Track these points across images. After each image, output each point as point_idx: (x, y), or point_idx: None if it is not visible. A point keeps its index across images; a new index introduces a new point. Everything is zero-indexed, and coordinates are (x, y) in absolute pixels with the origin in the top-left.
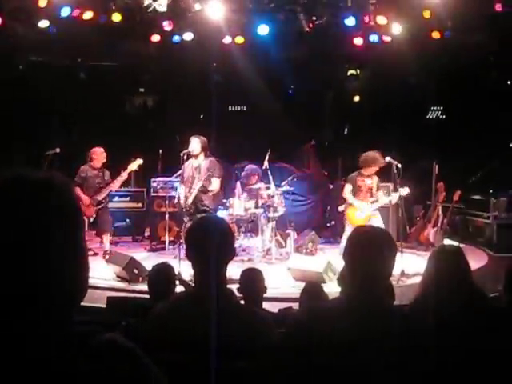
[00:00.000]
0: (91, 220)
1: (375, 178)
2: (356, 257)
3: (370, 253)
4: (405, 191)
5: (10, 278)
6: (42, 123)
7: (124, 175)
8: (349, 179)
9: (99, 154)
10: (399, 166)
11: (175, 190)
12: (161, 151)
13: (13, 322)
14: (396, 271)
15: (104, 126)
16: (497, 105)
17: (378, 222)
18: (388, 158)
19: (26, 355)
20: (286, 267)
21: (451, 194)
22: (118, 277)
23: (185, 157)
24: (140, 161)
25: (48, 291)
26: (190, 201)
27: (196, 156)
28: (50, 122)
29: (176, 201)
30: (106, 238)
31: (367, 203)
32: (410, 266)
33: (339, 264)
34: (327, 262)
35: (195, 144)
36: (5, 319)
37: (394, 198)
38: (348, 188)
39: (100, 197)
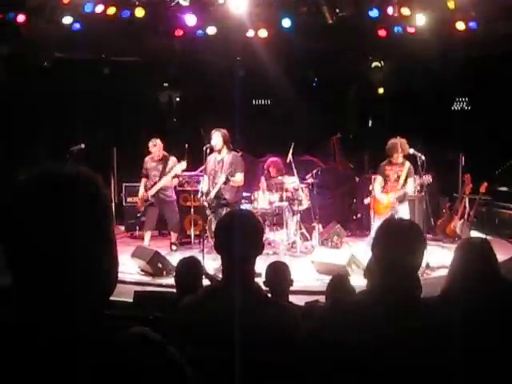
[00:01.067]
0: (138, 214)
1: (407, 165)
2: (385, 249)
3: (398, 245)
4: (426, 179)
5: (42, 273)
6: (67, 119)
7: (164, 180)
8: (378, 170)
9: (151, 146)
10: (423, 157)
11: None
12: (187, 146)
13: (46, 316)
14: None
15: (129, 121)
16: None
17: (402, 210)
18: (412, 150)
19: (60, 348)
20: (310, 260)
21: (478, 186)
22: (143, 271)
23: (208, 151)
24: (183, 164)
25: (79, 285)
26: (212, 195)
27: (219, 150)
28: (75, 118)
29: (199, 195)
30: (147, 235)
31: (393, 194)
32: (435, 259)
33: (363, 257)
34: (351, 254)
35: (217, 138)
36: (39, 314)
37: (411, 187)
38: (378, 180)
39: (150, 193)
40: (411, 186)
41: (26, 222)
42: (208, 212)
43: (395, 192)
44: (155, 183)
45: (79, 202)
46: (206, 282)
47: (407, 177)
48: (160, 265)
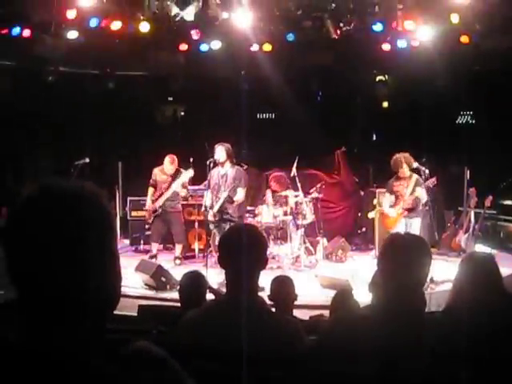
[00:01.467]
0: (146, 226)
1: (414, 177)
2: (390, 264)
3: (404, 260)
4: (431, 182)
5: (46, 289)
6: (71, 133)
7: (174, 186)
8: (386, 187)
9: (166, 162)
10: (427, 171)
11: None
12: (192, 159)
13: (49, 331)
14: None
15: (134, 135)
16: None
17: (415, 224)
18: (415, 164)
19: (60, 362)
20: (314, 275)
21: (483, 200)
22: (146, 285)
23: (211, 165)
24: (191, 172)
25: (81, 299)
26: (215, 209)
27: (222, 164)
28: (80, 133)
29: (203, 209)
30: (154, 246)
31: (399, 206)
32: (440, 273)
33: (367, 271)
34: (354, 269)
35: (220, 152)
36: (41, 329)
37: (421, 192)
38: (387, 196)
39: (157, 204)
40: (422, 194)
41: (30, 237)
42: (211, 226)
43: (403, 205)
44: (162, 194)
45: (83, 217)
46: (210, 296)
47: (415, 187)
48: (163, 279)
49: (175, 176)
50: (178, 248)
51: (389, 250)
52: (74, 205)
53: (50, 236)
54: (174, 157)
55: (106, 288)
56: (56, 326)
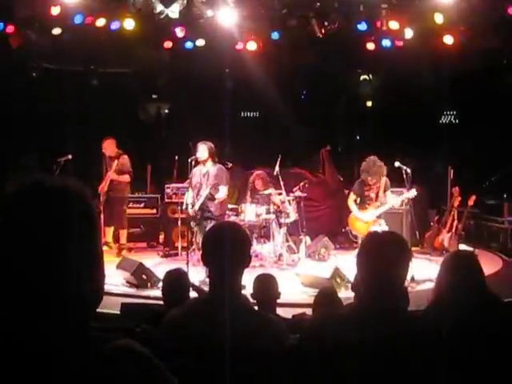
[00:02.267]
0: None
1: (383, 180)
2: (368, 263)
3: (382, 258)
4: (411, 193)
5: (28, 285)
6: (54, 130)
7: (109, 174)
8: (353, 189)
9: (106, 145)
10: (409, 170)
11: None
12: (176, 157)
13: (30, 328)
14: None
15: (117, 132)
16: (509, 108)
17: (383, 225)
18: (397, 163)
19: (43, 360)
20: (295, 273)
21: (466, 199)
22: (128, 282)
23: (193, 163)
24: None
25: (65, 297)
26: (196, 207)
27: (204, 162)
28: (62, 129)
29: (184, 207)
30: (109, 231)
31: (373, 210)
32: (421, 272)
33: (348, 270)
34: (335, 267)
35: (202, 150)
36: (24, 327)
37: (397, 200)
38: (352, 198)
39: (103, 189)
40: (393, 199)
41: (14, 234)
42: (193, 224)
43: (376, 209)
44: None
45: (68, 214)
46: (193, 294)
47: (384, 191)
48: (144, 276)
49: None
50: (122, 235)
51: (366, 249)
52: (59, 201)
53: (33, 232)
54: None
55: (90, 286)
56: (38, 323)
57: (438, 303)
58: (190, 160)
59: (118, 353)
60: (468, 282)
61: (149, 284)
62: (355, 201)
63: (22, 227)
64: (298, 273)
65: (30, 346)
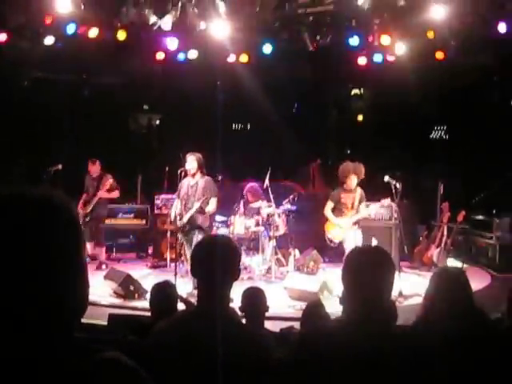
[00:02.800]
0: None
1: (358, 191)
2: (353, 278)
3: (367, 272)
4: (385, 202)
5: (11, 296)
6: (46, 139)
7: (100, 193)
8: (331, 196)
9: (91, 164)
10: (398, 185)
11: None
12: (167, 168)
13: (13, 339)
14: (394, 292)
15: (108, 142)
16: (500, 124)
17: (355, 235)
18: (387, 178)
19: (26, 371)
20: (283, 287)
21: (455, 214)
22: (115, 293)
23: (182, 174)
24: (110, 181)
25: (48, 308)
26: (185, 220)
27: (193, 175)
28: (53, 138)
29: (172, 218)
30: (100, 251)
31: (349, 218)
32: (409, 287)
33: (337, 283)
34: (322, 281)
35: (191, 162)
36: (7, 338)
37: (372, 209)
38: (329, 205)
39: (87, 209)
40: (367, 209)
41: None
42: (180, 236)
43: (351, 217)
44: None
45: (51, 226)
46: (180, 306)
47: (360, 202)
48: (132, 287)
49: (97, 179)
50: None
51: (349, 265)
52: (42, 213)
53: (16, 243)
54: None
55: (74, 295)
56: (21, 334)
57: (426, 318)
58: (179, 171)
59: (104, 365)
60: (456, 297)
61: (136, 295)
62: (332, 209)
63: (4, 237)
64: (286, 286)
65: (15, 356)
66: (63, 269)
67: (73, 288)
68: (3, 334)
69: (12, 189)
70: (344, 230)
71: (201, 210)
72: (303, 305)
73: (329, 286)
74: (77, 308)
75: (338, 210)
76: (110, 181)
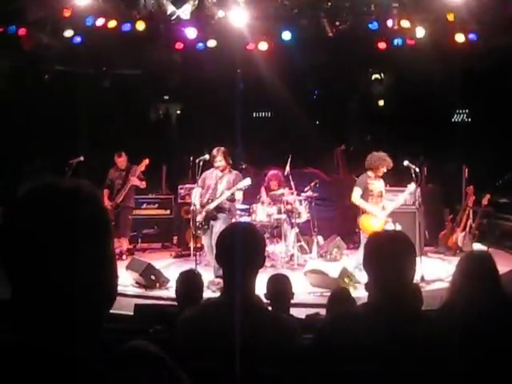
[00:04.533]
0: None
1: (381, 181)
2: (376, 264)
3: (389, 258)
4: (411, 187)
5: (41, 287)
6: (67, 131)
7: (132, 180)
8: (358, 182)
9: (117, 157)
10: (417, 169)
11: None
12: (192, 158)
13: (43, 330)
14: (416, 277)
15: (130, 134)
16: None
17: (397, 228)
18: (406, 162)
19: (56, 361)
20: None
21: (479, 198)
22: (137, 283)
23: (201, 163)
24: (146, 161)
25: (78, 299)
26: (212, 206)
27: (222, 170)
28: (75, 131)
29: (192, 207)
30: (124, 241)
31: (379, 208)
32: (433, 272)
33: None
34: (342, 267)
35: (220, 160)
36: (37, 328)
37: (401, 198)
38: (357, 192)
39: (117, 200)
40: (397, 203)
41: (27, 235)
42: (197, 229)
43: (381, 208)
44: (119, 191)
45: (79, 216)
46: (206, 294)
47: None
48: (153, 277)
49: (125, 170)
50: (124, 243)
51: (370, 251)
52: (70, 203)
53: (46, 234)
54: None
55: (102, 287)
56: (51, 325)
57: (452, 302)
58: (197, 160)
59: (132, 354)
60: (483, 281)
61: (157, 284)
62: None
63: (34, 228)
64: (306, 273)
65: (43, 347)
66: (92, 259)
67: (102, 279)
68: (34, 326)
69: (39, 181)
70: (381, 224)
71: (232, 199)
72: (324, 291)
73: (349, 272)
74: (106, 299)
75: (364, 198)
76: (139, 168)
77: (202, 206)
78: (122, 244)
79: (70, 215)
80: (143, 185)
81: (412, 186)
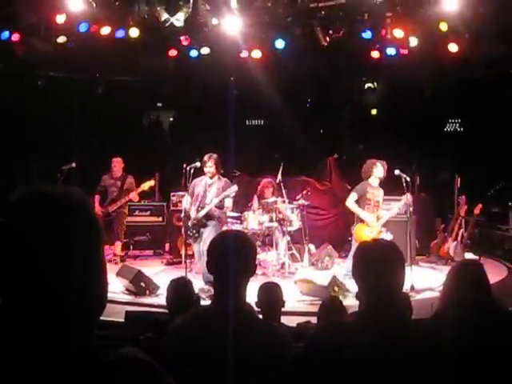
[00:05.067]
0: None
1: (381, 191)
2: (363, 273)
3: (377, 267)
4: (404, 198)
5: (32, 293)
6: (60, 137)
7: (131, 195)
8: (357, 188)
9: (116, 163)
10: (408, 178)
11: None
12: (185, 165)
13: (35, 337)
14: (406, 286)
15: (122, 140)
16: None
17: (388, 237)
18: (397, 172)
19: (45, 367)
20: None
21: (472, 207)
22: (127, 290)
23: (191, 170)
24: (152, 182)
25: (69, 305)
26: (201, 214)
27: (211, 176)
28: (67, 137)
29: (182, 214)
30: (118, 245)
31: (373, 216)
32: (423, 281)
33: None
34: (332, 276)
35: (211, 166)
36: (27, 334)
37: (396, 208)
38: (353, 196)
39: (110, 209)
40: (391, 213)
41: (17, 241)
42: (189, 238)
43: (376, 216)
44: (114, 200)
45: (70, 223)
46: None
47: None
48: (143, 284)
49: (121, 179)
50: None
51: (359, 260)
52: (61, 210)
53: (36, 241)
54: (115, 159)
55: (93, 293)
56: (42, 330)
57: (444, 311)
58: (188, 168)
59: (122, 361)
60: (474, 291)
61: (147, 291)
62: (356, 202)
63: (24, 235)
64: (296, 281)
65: (33, 353)
66: (83, 265)
67: (92, 285)
68: (26, 333)
69: (31, 186)
70: (376, 233)
71: (219, 206)
72: (314, 300)
73: (339, 280)
74: (96, 305)
75: (361, 205)
76: (131, 181)
77: (191, 216)
78: (115, 248)
79: (60, 222)
80: (133, 197)
81: (407, 197)
